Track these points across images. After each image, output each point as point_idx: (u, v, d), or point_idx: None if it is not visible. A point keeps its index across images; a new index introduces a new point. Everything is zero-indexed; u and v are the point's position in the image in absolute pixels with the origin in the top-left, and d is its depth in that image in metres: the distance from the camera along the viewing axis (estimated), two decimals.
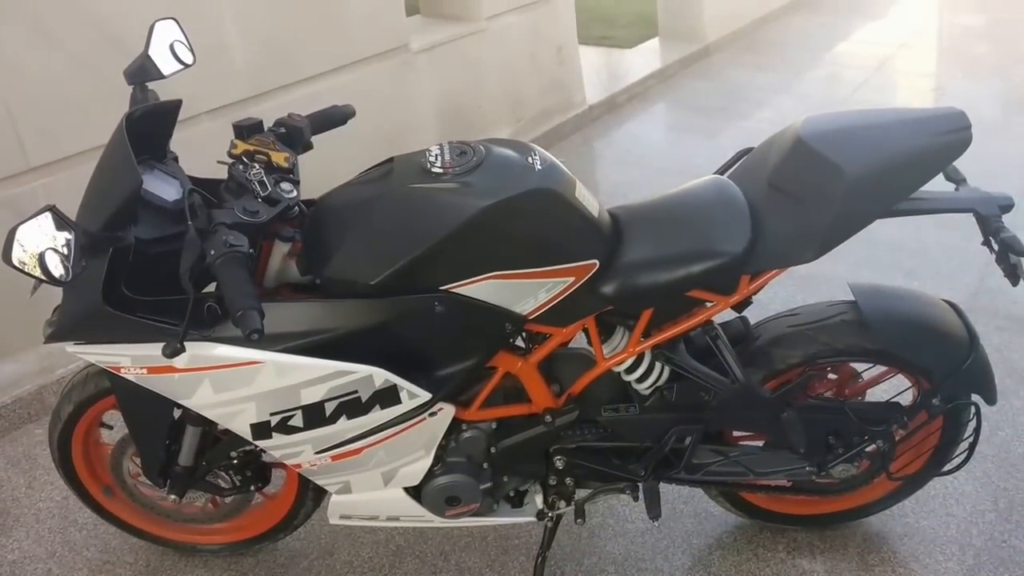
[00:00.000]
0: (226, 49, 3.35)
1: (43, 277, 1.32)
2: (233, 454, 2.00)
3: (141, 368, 1.68)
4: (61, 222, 1.38)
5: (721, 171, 2.01)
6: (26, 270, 1.31)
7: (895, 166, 1.68)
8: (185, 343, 1.54)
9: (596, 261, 1.72)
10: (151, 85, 1.84)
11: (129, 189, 1.52)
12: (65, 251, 1.37)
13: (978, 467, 2.51)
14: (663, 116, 5.94)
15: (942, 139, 1.69)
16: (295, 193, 1.72)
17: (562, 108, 5.44)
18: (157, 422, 1.90)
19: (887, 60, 6.88)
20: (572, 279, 1.72)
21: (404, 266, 1.62)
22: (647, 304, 1.80)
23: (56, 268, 1.34)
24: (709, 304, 1.83)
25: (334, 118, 1.98)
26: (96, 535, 2.40)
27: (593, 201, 1.79)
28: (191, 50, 1.89)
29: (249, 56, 3.43)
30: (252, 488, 2.07)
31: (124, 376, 1.70)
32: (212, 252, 1.47)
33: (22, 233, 1.32)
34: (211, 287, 1.68)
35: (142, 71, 1.80)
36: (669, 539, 2.35)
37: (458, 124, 4.62)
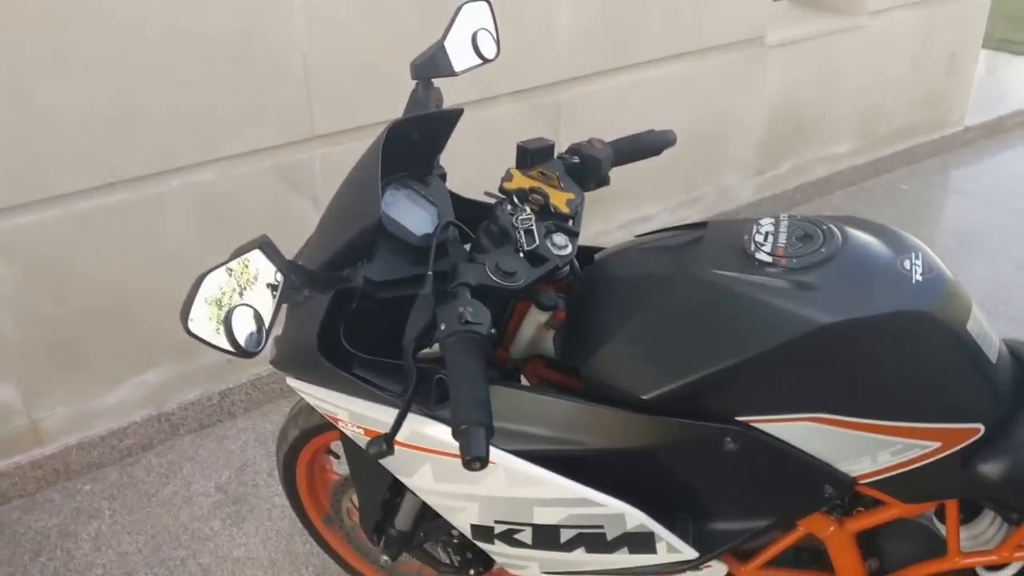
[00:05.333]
0: (551, 21, 2.98)
1: (228, 348, 1.03)
2: (454, 532, 1.70)
3: (357, 427, 1.41)
4: (269, 263, 1.08)
5: None
6: (206, 339, 1.02)
7: None
8: (409, 414, 1.22)
9: (980, 426, 1.18)
10: (438, 82, 1.54)
11: (363, 225, 1.22)
12: (265, 304, 1.07)
13: None
14: None
15: None
16: (569, 250, 1.33)
17: (929, 127, 4.58)
18: (379, 476, 1.63)
19: None
20: (938, 444, 1.19)
21: (691, 384, 1.19)
22: None
23: (243, 332, 1.02)
24: None
25: (646, 147, 1.58)
26: (317, 553, 2.23)
27: (992, 336, 1.24)
28: (497, 42, 1.58)
29: (575, 32, 3.05)
30: (472, 572, 1.76)
31: (342, 429, 1.44)
32: (443, 327, 1.13)
33: (209, 286, 1.02)
34: None
35: (431, 64, 1.51)
36: None
37: (789, 133, 3.99)
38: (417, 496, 1.62)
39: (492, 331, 1.14)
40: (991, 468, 1.19)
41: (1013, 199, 4.21)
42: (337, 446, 1.86)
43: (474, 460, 1.01)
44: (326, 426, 1.75)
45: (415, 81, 1.53)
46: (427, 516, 1.69)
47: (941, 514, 1.32)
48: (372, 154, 1.31)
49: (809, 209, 4.11)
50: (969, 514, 1.33)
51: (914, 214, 4.11)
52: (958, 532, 1.30)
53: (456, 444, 1.23)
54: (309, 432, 1.79)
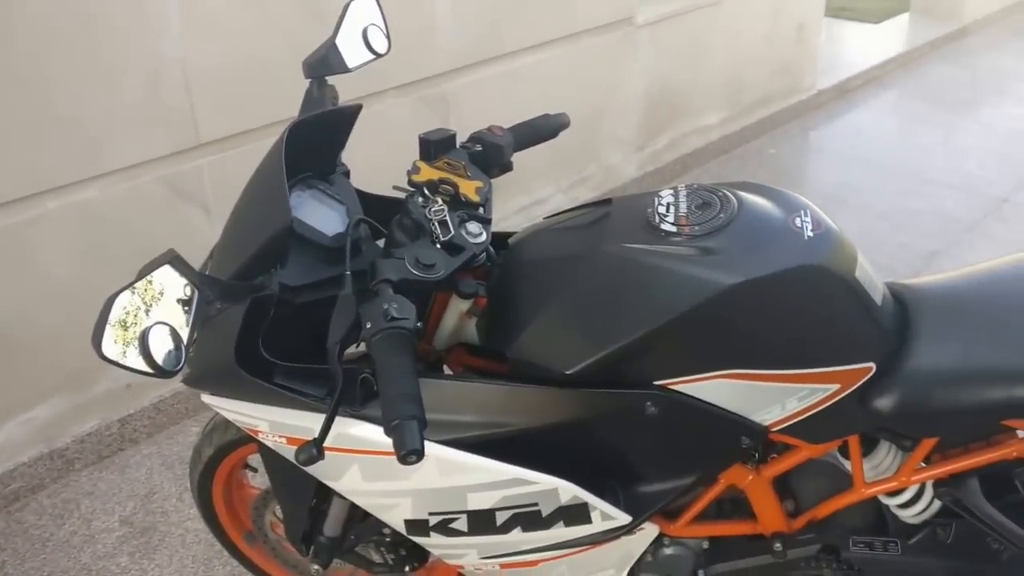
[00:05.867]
0: (431, 15, 3.00)
1: (145, 369, 1.00)
2: (386, 530, 1.69)
3: (279, 437, 1.39)
4: (180, 277, 1.06)
5: None
6: (122, 362, 0.99)
7: None
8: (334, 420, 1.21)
9: (872, 365, 1.27)
10: (331, 79, 1.54)
11: (275, 229, 1.21)
12: (180, 321, 1.05)
13: None
14: (899, 106, 5.19)
15: None
16: (483, 237, 1.35)
17: (786, 93, 4.84)
18: (302, 485, 1.61)
19: None
20: (837, 386, 1.27)
21: (610, 355, 1.23)
22: (937, 430, 1.32)
23: (161, 351, 1.00)
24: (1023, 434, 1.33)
25: (543, 131, 1.61)
26: (240, 574, 2.18)
27: (876, 281, 1.33)
28: (387, 36, 1.59)
29: (455, 24, 3.07)
30: (407, 569, 1.76)
31: (262, 441, 1.41)
32: (368, 325, 1.13)
33: (116, 308, 0.99)
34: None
35: (324, 62, 1.51)
36: None
37: (663, 109, 4.13)
38: (345, 499, 1.61)
39: (418, 325, 1.15)
40: (885, 402, 1.29)
41: (866, 154, 4.48)
42: (254, 459, 1.82)
43: (410, 454, 1.02)
44: (243, 440, 1.71)
45: (308, 80, 1.52)
46: (356, 518, 1.68)
47: (845, 451, 1.40)
48: (274, 157, 1.29)
49: (689, 179, 4.26)
50: (868, 447, 1.41)
51: (784, 176, 4.32)
52: (861, 465, 1.40)
53: (385, 441, 1.23)
54: (225, 448, 1.74)
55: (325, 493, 1.66)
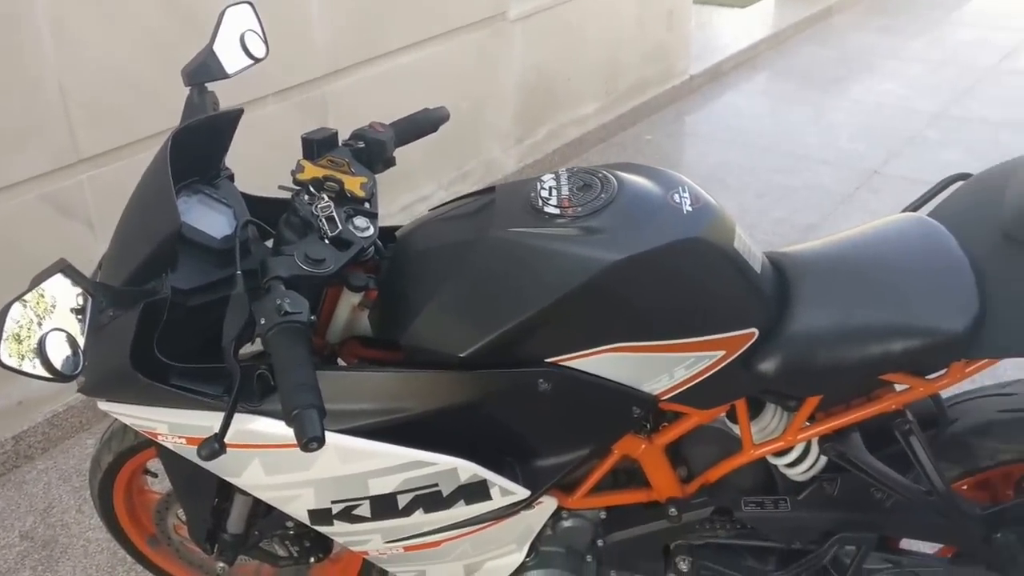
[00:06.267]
0: (305, 20, 2.99)
1: (45, 375, 1.00)
2: (289, 524, 1.70)
3: (179, 438, 1.39)
4: (73, 285, 1.07)
5: (918, 205, 1.59)
6: (21, 368, 0.99)
7: None
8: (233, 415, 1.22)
9: (755, 330, 1.35)
10: (211, 85, 1.53)
11: (164, 234, 1.22)
12: (76, 327, 1.05)
13: None
14: (771, 87, 5.40)
15: None
16: (371, 231, 1.38)
17: (660, 79, 4.98)
18: (203, 485, 1.61)
19: None
20: (722, 353, 1.34)
21: (501, 336, 1.28)
22: (818, 389, 1.40)
23: (59, 356, 1.01)
24: (900, 387, 1.42)
25: (423, 125, 1.64)
26: None
27: (755, 250, 1.41)
28: (265, 41, 1.59)
29: (330, 28, 3.08)
30: (312, 560, 1.77)
31: (162, 444, 1.41)
32: (263, 321, 1.14)
33: (11, 320, 0.99)
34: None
35: (203, 70, 1.50)
36: None
37: (540, 101, 4.22)
38: (248, 495, 1.62)
39: (312, 318, 1.17)
40: (768, 365, 1.36)
41: (740, 135, 4.65)
42: (153, 464, 1.81)
43: (311, 441, 1.04)
44: (141, 445, 1.70)
45: (188, 88, 1.52)
46: (260, 513, 1.68)
47: (733, 416, 1.48)
48: (160, 163, 1.29)
49: None
50: (755, 411, 1.49)
51: (663, 161, 4.46)
52: (749, 428, 1.47)
53: (285, 434, 1.26)
54: (124, 454, 1.73)
55: (227, 491, 1.66)
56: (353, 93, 3.24)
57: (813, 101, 5.05)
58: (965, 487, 1.59)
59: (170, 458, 1.56)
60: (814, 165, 4.26)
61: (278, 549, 1.77)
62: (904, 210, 1.58)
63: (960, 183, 1.57)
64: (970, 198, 1.51)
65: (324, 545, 1.77)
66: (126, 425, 1.68)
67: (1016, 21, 6.14)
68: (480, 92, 3.85)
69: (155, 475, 1.89)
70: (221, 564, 1.73)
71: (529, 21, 3.97)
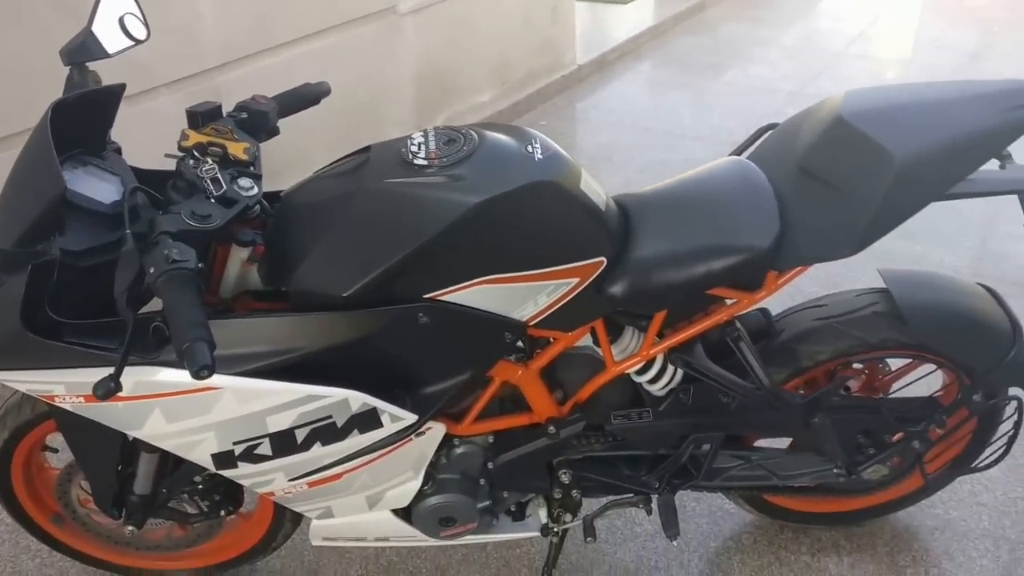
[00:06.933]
0: (195, 13, 3.03)
1: None
2: (197, 479, 1.78)
3: (77, 397, 1.45)
4: None
5: (740, 151, 1.79)
6: None
7: (953, 149, 1.46)
8: (129, 367, 1.29)
9: (603, 259, 1.51)
10: (93, 65, 1.57)
11: (49, 197, 1.28)
12: None
13: None
14: (652, 74, 5.69)
15: (1005, 116, 1.47)
16: (255, 190, 1.47)
17: (550, 69, 5.18)
18: (106, 448, 1.66)
19: (883, 11, 6.67)
20: (577, 280, 1.50)
21: (381, 275, 1.39)
22: (661, 305, 1.59)
23: None
24: (730, 302, 1.62)
25: (305, 98, 1.74)
26: (52, 563, 2.16)
27: (600, 191, 1.57)
28: (145, 23, 1.62)
29: (221, 18, 3.11)
30: (222, 513, 1.84)
31: (60, 406, 1.47)
32: (152, 270, 1.22)
33: None
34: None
35: (82, 49, 1.53)
36: (684, 542, 2.16)
37: (437, 90, 4.34)
38: (152, 454, 1.69)
39: (200, 265, 1.25)
40: (617, 288, 1.53)
41: (625, 117, 4.89)
42: (52, 439, 1.83)
43: (202, 369, 1.12)
44: (37, 420, 1.73)
45: (68, 68, 1.55)
46: (166, 472, 1.74)
47: (597, 340, 1.64)
48: (41, 132, 1.35)
49: None
50: (616, 334, 1.66)
51: (556, 142, 4.62)
52: (610, 348, 1.64)
53: (182, 381, 1.35)
54: (20, 430, 1.75)
55: (130, 455, 1.72)
56: (247, 84, 3.22)
57: (690, 86, 5.33)
58: (796, 387, 1.81)
59: (70, 424, 1.60)
60: (689, 142, 4.52)
61: (187, 507, 1.83)
62: (729, 155, 1.78)
63: (771, 131, 1.79)
64: (776, 141, 1.72)
65: (234, 498, 1.84)
66: (21, 400, 1.73)
67: (861, 13, 6.68)
68: (377, 82, 3.95)
69: (55, 450, 1.91)
70: (130, 528, 1.77)
71: (420, 15, 4.09)
